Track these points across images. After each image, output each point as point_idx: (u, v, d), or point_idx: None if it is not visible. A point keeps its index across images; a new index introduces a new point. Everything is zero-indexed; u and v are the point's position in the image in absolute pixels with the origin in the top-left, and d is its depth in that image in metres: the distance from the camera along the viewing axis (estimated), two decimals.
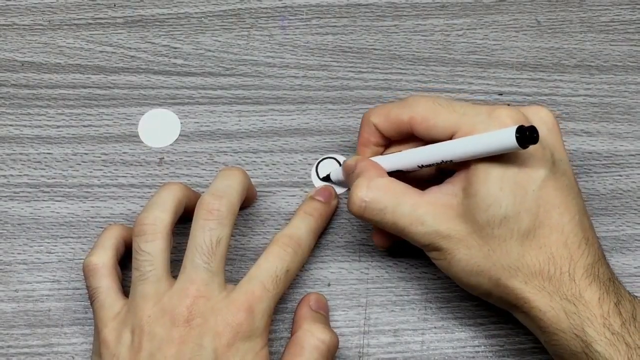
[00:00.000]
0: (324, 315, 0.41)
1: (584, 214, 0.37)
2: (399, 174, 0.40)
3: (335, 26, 0.52)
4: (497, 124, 0.36)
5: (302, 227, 0.42)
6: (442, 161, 0.37)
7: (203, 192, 0.39)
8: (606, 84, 0.50)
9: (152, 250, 0.38)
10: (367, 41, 0.51)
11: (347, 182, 0.43)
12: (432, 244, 0.38)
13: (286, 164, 0.47)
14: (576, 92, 0.50)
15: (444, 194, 0.38)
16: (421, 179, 0.41)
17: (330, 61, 0.50)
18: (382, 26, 0.52)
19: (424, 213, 0.37)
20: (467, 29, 0.52)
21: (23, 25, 0.51)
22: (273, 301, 0.38)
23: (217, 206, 0.38)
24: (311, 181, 0.47)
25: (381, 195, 0.38)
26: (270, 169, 0.47)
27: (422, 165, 0.39)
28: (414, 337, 0.43)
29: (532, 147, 0.35)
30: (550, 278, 0.36)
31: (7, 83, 0.49)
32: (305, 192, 0.46)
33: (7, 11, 0.52)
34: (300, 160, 0.47)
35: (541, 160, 0.36)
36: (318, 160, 0.47)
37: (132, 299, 0.38)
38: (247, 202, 0.45)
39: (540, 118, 0.38)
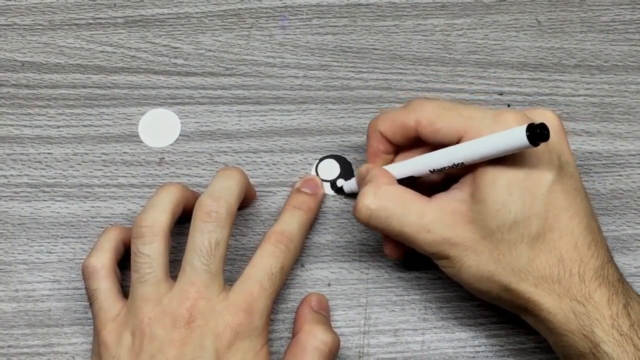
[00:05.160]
0: (325, 316, 0.41)
1: (592, 216, 0.37)
2: (409, 182, 0.40)
3: (335, 26, 0.52)
4: (504, 127, 0.35)
5: (292, 222, 0.42)
6: (454, 164, 0.37)
7: (203, 192, 0.39)
8: (606, 84, 0.50)
9: (151, 252, 0.38)
10: (367, 41, 0.51)
11: (359, 189, 0.43)
12: (440, 252, 0.37)
13: (286, 164, 0.47)
14: (576, 92, 0.50)
15: (452, 200, 0.37)
16: (428, 186, 0.41)
17: (331, 61, 0.50)
18: (382, 26, 0.52)
19: (431, 221, 0.37)
20: (468, 29, 0.52)
21: (23, 25, 0.51)
22: (270, 299, 0.39)
23: (216, 208, 0.38)
24: None
25: (387, 203, 0.38)
26: (271, 169, 0.47)
27: (433, 170, 0.38)
28: (414, 337, 0.43)
29: (539, 150, 0.35)
30: (560, 280, 0.35)
31: (8, 83, 0.49)
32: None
33: (7, 11, 0.52)
34: (300, 160, 0.47)
35: (548, 163, 0.36)
36: (318, 160, 0.47)
37: (132, 301, 0.38)
38: (247, 201, 0.45)
39: (546, 120, 0.37)
